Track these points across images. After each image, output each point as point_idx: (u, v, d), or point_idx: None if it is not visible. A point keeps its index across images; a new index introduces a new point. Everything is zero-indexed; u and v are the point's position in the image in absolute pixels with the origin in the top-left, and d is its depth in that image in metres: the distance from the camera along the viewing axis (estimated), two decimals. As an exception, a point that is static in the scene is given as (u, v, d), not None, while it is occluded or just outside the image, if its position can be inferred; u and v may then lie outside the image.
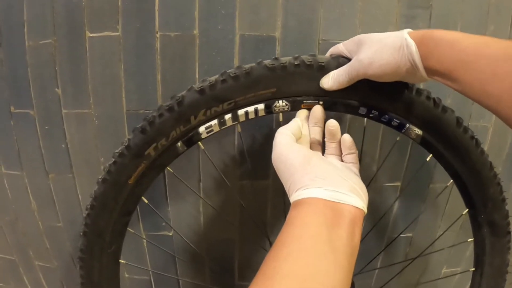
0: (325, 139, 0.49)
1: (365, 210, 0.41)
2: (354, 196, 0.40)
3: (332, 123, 0.47)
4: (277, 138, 0.46)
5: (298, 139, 0.47)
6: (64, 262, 0.80)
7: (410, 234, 0.80)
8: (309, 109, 0.49)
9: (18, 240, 0.79)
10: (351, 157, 0.47)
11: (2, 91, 0.67)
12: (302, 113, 0.50)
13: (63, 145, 0.68)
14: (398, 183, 0.74)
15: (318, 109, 0.49)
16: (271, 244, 0.70)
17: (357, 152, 0.48)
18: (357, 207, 0.39)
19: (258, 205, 0.73)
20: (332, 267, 0.33)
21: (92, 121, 0.66)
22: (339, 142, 0.48)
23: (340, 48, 0.48)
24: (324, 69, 0.48)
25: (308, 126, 0.49)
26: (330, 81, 0.47)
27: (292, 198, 0.41)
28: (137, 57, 0.62)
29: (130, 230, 0.58)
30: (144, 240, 0.76)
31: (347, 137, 0.47)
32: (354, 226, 0.38)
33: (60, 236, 0.77)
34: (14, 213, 0.76)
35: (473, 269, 0.63)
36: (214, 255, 0.78)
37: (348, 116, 0.66)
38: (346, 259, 0.35)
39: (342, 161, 0.48)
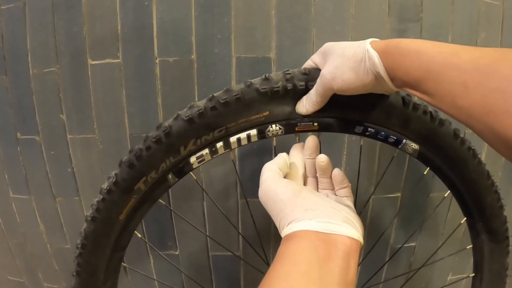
0: (317, 175, 0.47)
1: (362, 240, 0.38)
2: (349, 227, 0.37)
3: (322, 159, 0.45)
4: (264, 175, 0.43)
5: (285, 174, 0.45)
6: (73, 283, 0.81)
7: (413, 244, 0.81)
8: (304, 131, 0.47)
9: (27, 262, 0.81)
10: (344, 191, 0.46)
11: (9, 118, 0.69)
12: (296, 146, 0.49)
13: (69, 169, 0.70)
14: (398, 194, 0.75)
15: (311, 140, 0.47)
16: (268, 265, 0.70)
17: (349, 185, 0.46)
18: (352, 238, 0.37)
19: (258, 223, 0.74)
20: None
21: (97, 145, 0.68)
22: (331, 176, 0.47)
23: (311, 62, 0.46)
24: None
25: (303, 158, 0.48)
26: (305, 104, 0.44)
27: (283, 233, 0.38)
28: (138, 82, 0.64)
29: (135, 270, 0.57)
30: (154, 264, 0.77)
31: (337, 172, 0.46)
32: (349, 259, 0.35)
33: (68, 258, 0.77)
34: (23, 236, 0.78)
35: (473, 274, 0.64)
36: (220, 271, 0.79)
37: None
38: None
39: (336, 195, 0.47)
